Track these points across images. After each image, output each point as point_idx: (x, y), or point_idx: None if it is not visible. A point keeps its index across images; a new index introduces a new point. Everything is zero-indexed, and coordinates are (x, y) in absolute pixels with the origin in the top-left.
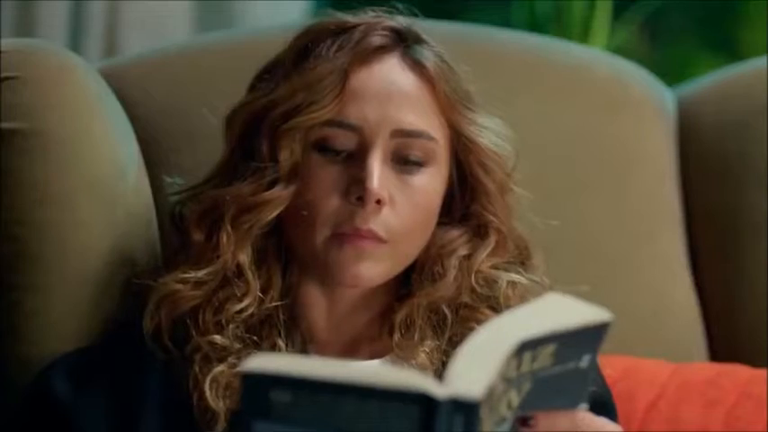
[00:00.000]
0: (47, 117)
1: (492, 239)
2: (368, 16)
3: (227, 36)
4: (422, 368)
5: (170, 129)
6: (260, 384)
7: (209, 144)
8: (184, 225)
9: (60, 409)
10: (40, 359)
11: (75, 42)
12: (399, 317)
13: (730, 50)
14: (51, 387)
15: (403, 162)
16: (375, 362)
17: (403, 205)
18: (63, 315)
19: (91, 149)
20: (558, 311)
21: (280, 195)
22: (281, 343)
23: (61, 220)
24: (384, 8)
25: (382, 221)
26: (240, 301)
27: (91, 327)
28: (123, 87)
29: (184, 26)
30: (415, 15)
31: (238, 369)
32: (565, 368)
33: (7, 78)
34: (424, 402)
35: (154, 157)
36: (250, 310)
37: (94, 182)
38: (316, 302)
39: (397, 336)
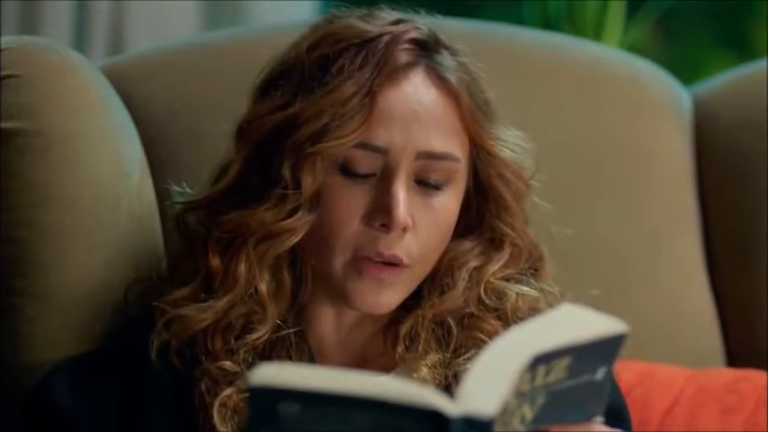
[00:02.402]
0: (48, 116)
1: (506, 252)
2: (386, 20)
3: (232, 34)
4: (423, 383)
5: (174, 128)
6: (268, 396)
7: (213, 143)
8: (192, 236)
9: (61, 417)
10: (40, 365)
11: (80, 41)
12: (404, 329)
13: (743, 48)
14: (52, 394)
15: (425, 183)
16: (384, 376)
17: (424, 228)
18: (64, 320)
19: (93, 149)
20: (572, 323)
21: (303, 222)
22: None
23: (63, 221)
24: (398, 6)
25: (405, 246)
26: (256, 329)
27: (92, 333)
28: (126, 86)
29: (191, 24)
30: (431, 14)
31: (246, 383)
32: (579, 381)
33: (8, 77)
34: (437, 420)
35: (157, 157)
36: (264, 337)
37: (97, 182)
38: (324, 316)
39: (401, 348)
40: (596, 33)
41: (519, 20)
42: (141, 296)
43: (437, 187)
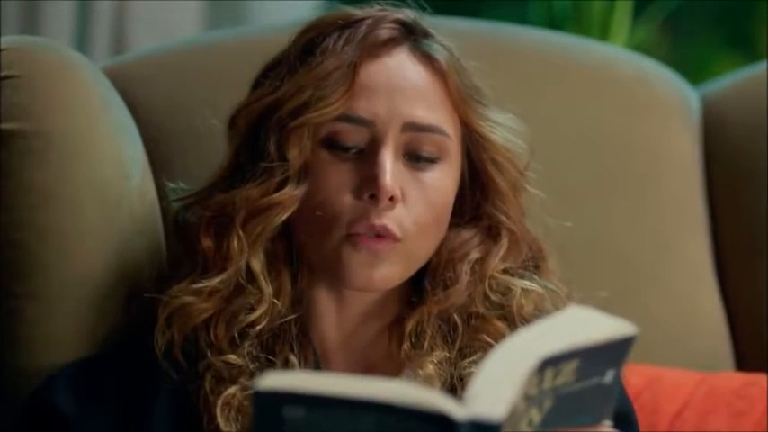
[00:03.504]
0: (48, 117)
1: (504, 241)
2: (374, 10)
3: (234, 33)
4: (429, 379)
5: (176, 129)
6: (273, 401)
7: (216, 145)
8: (189, 231)
9: (62, 421)
10: (40, 370)
11: (82, 41)
12: (409, 326)
13: (748, 49)
14: (53, 399)
15: (415, 158)
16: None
17: (416, 202)
18: (65, 324)
19: (94, 151)
20: (580, 325)
21: (291, 196)
22: (293, 359)
23: (63, 224)
24: (392, 3)
25: (396, 218)
26: (253, 309)
27: (94, 336)
28: (128, 86)
29: (194, 24)
30: (423, 9)
31: (250, 390)
32: (588, 384)
33: (8, 77)
34: (443, 423)
35: (159, 159)
36: (264, 321)
37: (98, 184)
38: (326, 309)
39: (406, 345)
40: (602, 33)
41: (524, 20)
42: (143, 298)
43: (429, 160)
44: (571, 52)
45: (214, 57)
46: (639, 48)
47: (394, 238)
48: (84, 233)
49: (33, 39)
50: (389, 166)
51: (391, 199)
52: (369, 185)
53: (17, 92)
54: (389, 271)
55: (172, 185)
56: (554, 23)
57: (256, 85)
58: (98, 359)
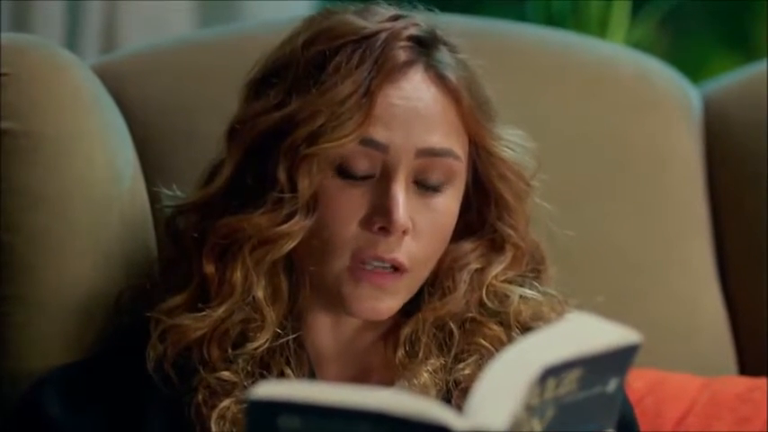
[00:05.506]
0: (37, 117)
1: (508, 254)
2: (384, 16)
3: (227, 31)
4: (424, 389)
5: (167, 128)
6: (267, 411)
7: (208, 144)
8: (183, 238)
9: (50, 425)
10: (29, 373)
11: (73, 39)
12: (404, 333)
13: (746, 47)
14: (42, 405)
15: (424, 184)
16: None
17: (424, 230)
18: (53, 327)
19: (84, 151)
20: (583, 334)
21: (301, 226)
22: (288, 371)
23: (53, 225)
24: (399, 2)
25: (405, 249)
26: (255, 337)
27: (82, 340)
28: (118, 85)
29: (187, 23)
30: (430, 10)
31: (244, 400)
32: (590, 393)
33: None
34: None
35: (151, 158)
36: (265, 345)
37: (88, 185)
38: (321, 325)
39: (401, 352)
40: (601, 31)
41: (522, 18)
42: (133, 303)
43: (436, 189)
44: (572, 50)
45: (207, 55)
46: (638, 46)
47: (403, 271)
48: (73, 235)
49: (23, 37)
50: (402, 197)
51: (403, 232)
52: (380, 217)
53: (6, 90)
54: (393, 301)
55: (168, 193)
56: (552, 21)
57: (257, 91)
58: (87, 364)
